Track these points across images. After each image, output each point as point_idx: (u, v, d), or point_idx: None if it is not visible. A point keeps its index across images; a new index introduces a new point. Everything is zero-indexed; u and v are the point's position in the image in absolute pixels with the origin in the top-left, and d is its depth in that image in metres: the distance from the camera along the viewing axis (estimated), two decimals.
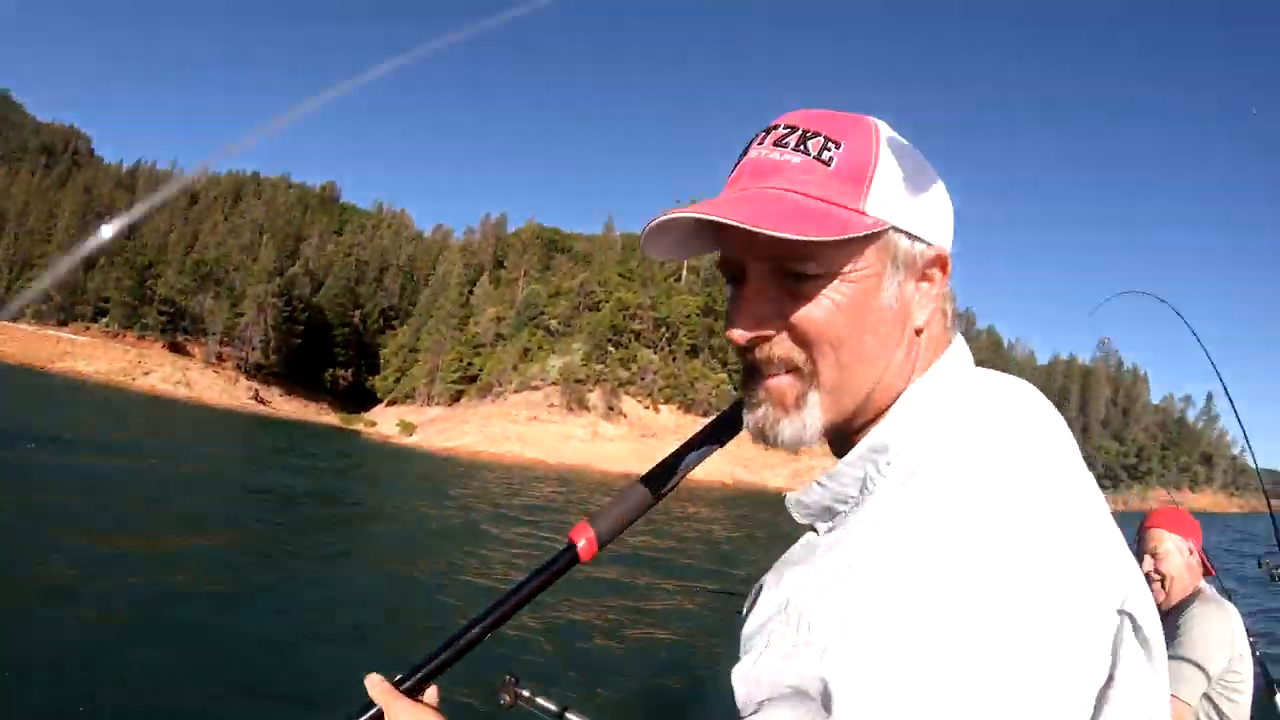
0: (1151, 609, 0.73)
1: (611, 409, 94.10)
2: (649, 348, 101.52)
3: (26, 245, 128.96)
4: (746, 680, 0.74)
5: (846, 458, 0.87)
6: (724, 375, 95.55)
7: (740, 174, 0.88)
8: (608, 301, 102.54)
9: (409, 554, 17.42)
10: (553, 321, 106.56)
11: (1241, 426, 4.37)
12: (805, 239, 0.78)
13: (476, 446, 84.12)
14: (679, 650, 11.60)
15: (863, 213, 0.82)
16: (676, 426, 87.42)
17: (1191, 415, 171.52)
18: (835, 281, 0.82)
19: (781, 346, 0.85)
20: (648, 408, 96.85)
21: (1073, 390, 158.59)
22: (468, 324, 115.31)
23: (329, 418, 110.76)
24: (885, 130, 0.88)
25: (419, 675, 1.15)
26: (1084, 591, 0.67)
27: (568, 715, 1.85)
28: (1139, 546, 3.46)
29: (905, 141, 0.89)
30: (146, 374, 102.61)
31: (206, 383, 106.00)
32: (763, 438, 0.89)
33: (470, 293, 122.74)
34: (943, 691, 0.62)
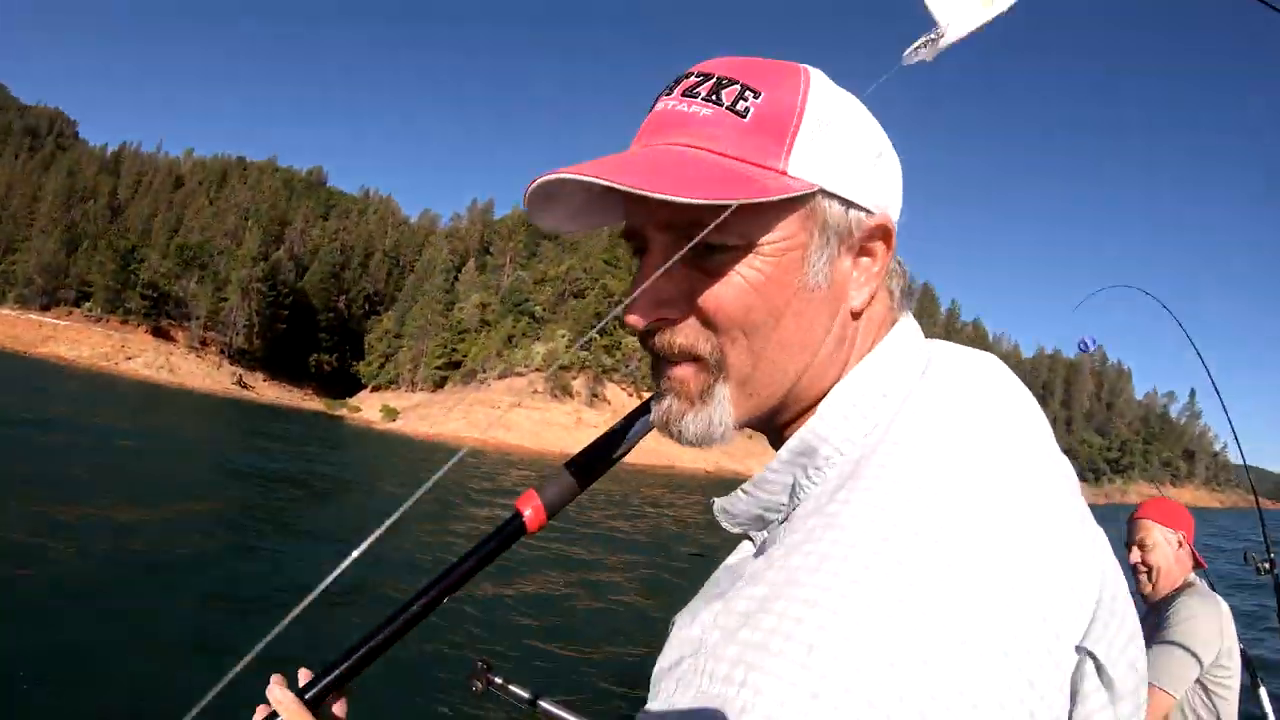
0: (1122, 631, 0.63)
1: (595, 396, 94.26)
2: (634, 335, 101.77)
3: (9, 229, 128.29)
4: None
5: (771, 464, 0.76)
6: None
7: (644, 129, 0.76)
8: (593, 289, 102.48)
9: (365, 532, 17.24)
10: (538, 308, 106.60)
11: (1230, 422, 4.33)
12: (700, 203, 0.65)
13: (459, 432, 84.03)
14: (651, 632, 11.41)
15: (783, 173, 0.70)
16: None
17: (1174, 411, 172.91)
18: (749, 255, 0.71)
19: (685, 332, 0.74)
20: (631, 395, 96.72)
21: (1056, 384, 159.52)
22: (453, 310, 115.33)
23: (313, 403, 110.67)
24: (820, 79, 0.75)
25: (324, 683, 0.97)
26: (1035, 644, 0.55)
27: (540, 703, 1.86)
28: (1127, 537, 3.43)
29: (846, 93, 0.77)
30: (129, 359, 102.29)
31: (190, 367, 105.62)
32: (668, 433, 0.79)
33: (456, 279, 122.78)
34: None
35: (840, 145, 0.73)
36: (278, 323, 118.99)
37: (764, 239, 0.70)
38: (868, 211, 0.75)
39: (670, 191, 0.64)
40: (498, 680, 1.91)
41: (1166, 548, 3.32)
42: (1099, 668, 0.60)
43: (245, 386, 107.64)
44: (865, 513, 0.60)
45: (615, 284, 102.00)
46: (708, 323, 0.73)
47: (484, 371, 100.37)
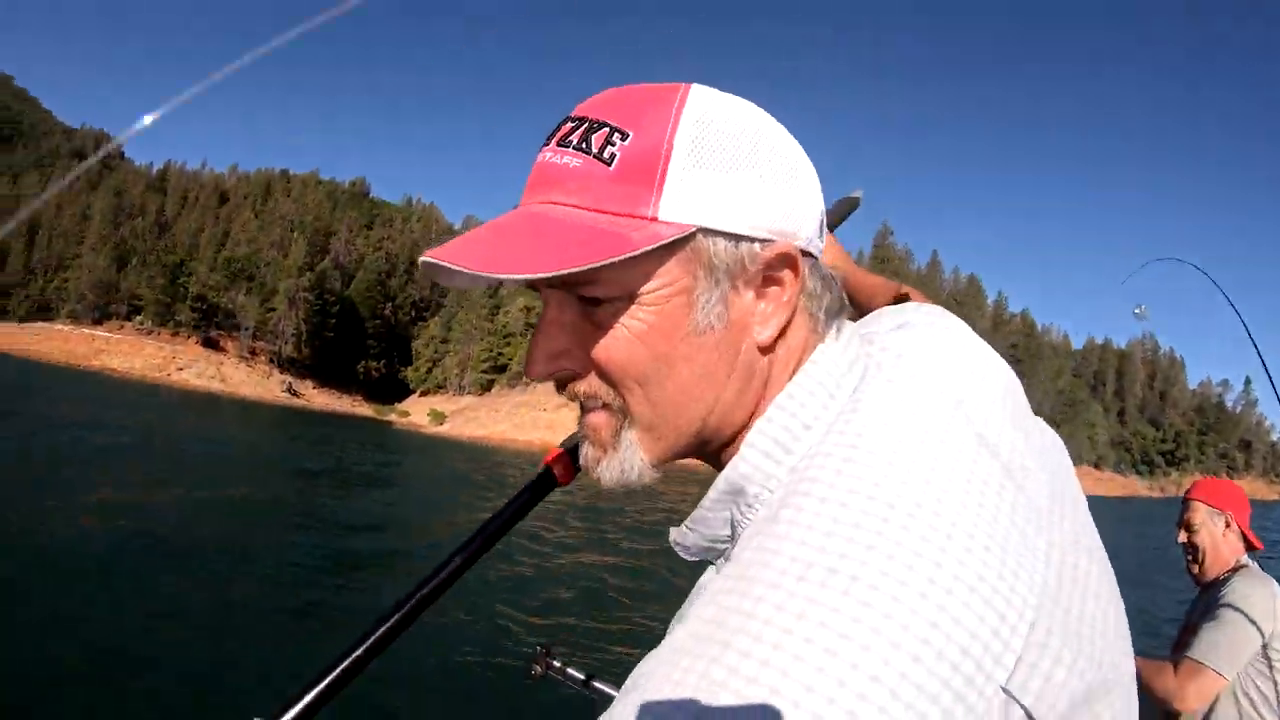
0: (1066, 663, 0.60)
1: None
2: None
3: (60, 247, 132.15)
4: None
5: (704, 501, 0.75)
6: None
7: (527, 185, 0.74)
8: None
9: (394, 527, 18.51)
10: None
11: None
12: (540, 277, 0.63)
13: (505, 434, 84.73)
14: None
15: (653, 219, 0.66)
16: None
17: (1230, 400, 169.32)
18: (632, 306, 0.69)
19: (587, 382, 0.73)
20: None
21: (1108, 374, 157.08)
22: (498, 315, 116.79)
23: (362, 408, 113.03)
24: (699, 101, 0.71)
25: (299, 707, 0.94)
26: (941, 692, 0.53)
27: (593, 683, 1.96)
28: (1178, 517, 3.43)
29: (736, 109, 0.72)
30: (181, 369, 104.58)
31: (240, 377, 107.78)
32: (591, 475, 0.79)
33: (500, 284, 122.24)
34: None
35: (721, 177, 0.69)
36: (326, 331, 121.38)
37: (643, 289, 0.68)
38: (763, 241, 0.71)
39: (508, 270, 0.63)
40: (556, 664, 1.99)
41: (1212, 527, 3.30)
42: (1026, 711, 0.58)
43: (295, 394, 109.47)
44: (770, 574, 0.59)
45: None
46: (602, 374, 0.72)
47: None
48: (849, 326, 0.80)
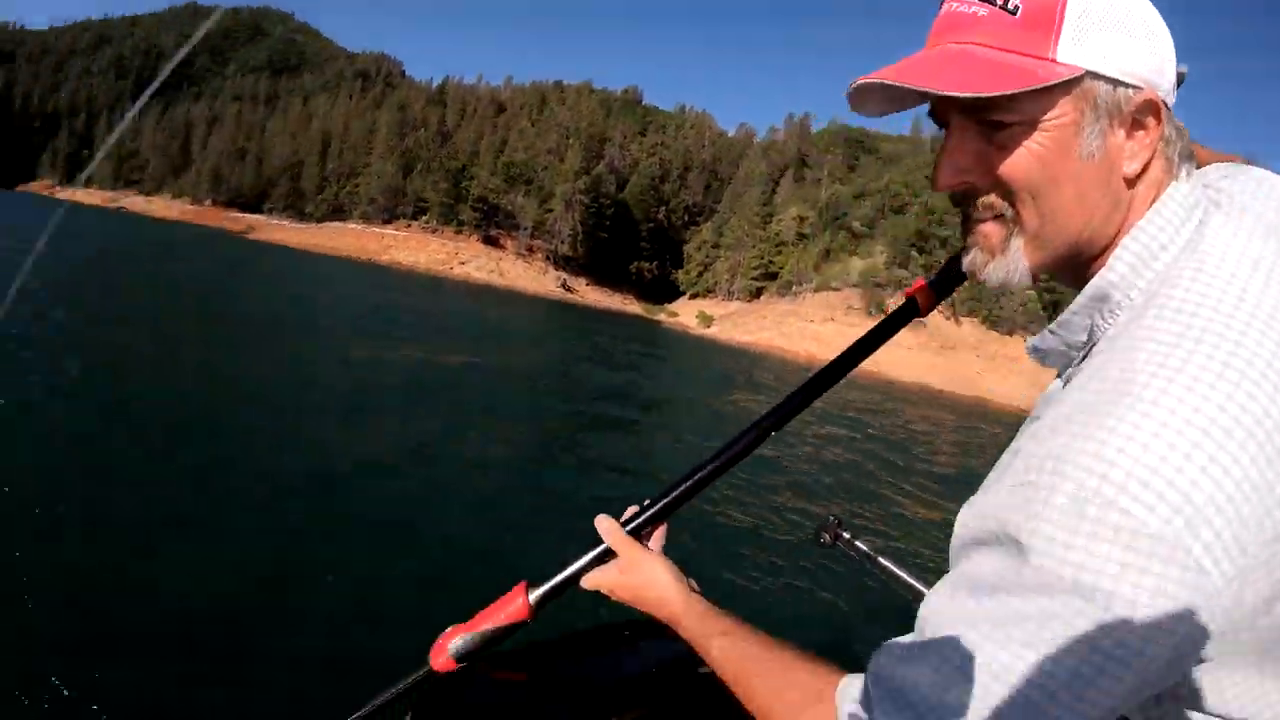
0: None
1: None
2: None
3: (351, 158, 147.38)
4: (962, 520, 0.78)
5: (1071, 306, 0.90)
6: (1033, 291, 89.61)
7: (934, 31, 0.89)
8: (914, 205, 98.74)
9: (659, 406, 20.88)
10: (856, 223, 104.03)
11: None
12: (977, 96, 0.79)
13: (772, 341, 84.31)
14: None
15: (1053, 60, 0.81)
16: (977, 342, 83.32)
17: None
18: (1031, 131, 0.83)
19: (985, 194, 0.88)
20: (949, 319, 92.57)
21: None
22: (770, 223, 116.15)
23: (633, 307, 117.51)
24: None
25: (651, 512, 1.17)
26: (1267, 467, 0.67)
27: (880, 559, 2.01)
28: None
29: None
30: (463, 264, 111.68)
31: (518, 272, 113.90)
32: (974, 278, 0.95)
33: (773, 192, 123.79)
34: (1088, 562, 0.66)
35: (1103, 30, 0.82)
36: (600, 231, 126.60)
37: (1043, 118, 0.82)
38: (1135, 88, 0.83)
39: (953, 89, 0.79)
40: (845, 535, 2.04)
41: None
42: None
43: (569, 290, 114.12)
44: (1142, 356, 0.74)
45: (938, 201, 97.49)
46: (1000, 188, 0.86)
47: (799, 284, 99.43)
48: (1195, 172, 0.92)
